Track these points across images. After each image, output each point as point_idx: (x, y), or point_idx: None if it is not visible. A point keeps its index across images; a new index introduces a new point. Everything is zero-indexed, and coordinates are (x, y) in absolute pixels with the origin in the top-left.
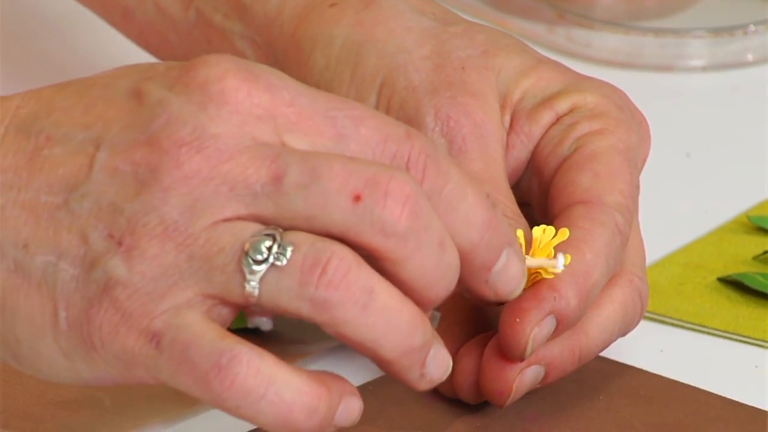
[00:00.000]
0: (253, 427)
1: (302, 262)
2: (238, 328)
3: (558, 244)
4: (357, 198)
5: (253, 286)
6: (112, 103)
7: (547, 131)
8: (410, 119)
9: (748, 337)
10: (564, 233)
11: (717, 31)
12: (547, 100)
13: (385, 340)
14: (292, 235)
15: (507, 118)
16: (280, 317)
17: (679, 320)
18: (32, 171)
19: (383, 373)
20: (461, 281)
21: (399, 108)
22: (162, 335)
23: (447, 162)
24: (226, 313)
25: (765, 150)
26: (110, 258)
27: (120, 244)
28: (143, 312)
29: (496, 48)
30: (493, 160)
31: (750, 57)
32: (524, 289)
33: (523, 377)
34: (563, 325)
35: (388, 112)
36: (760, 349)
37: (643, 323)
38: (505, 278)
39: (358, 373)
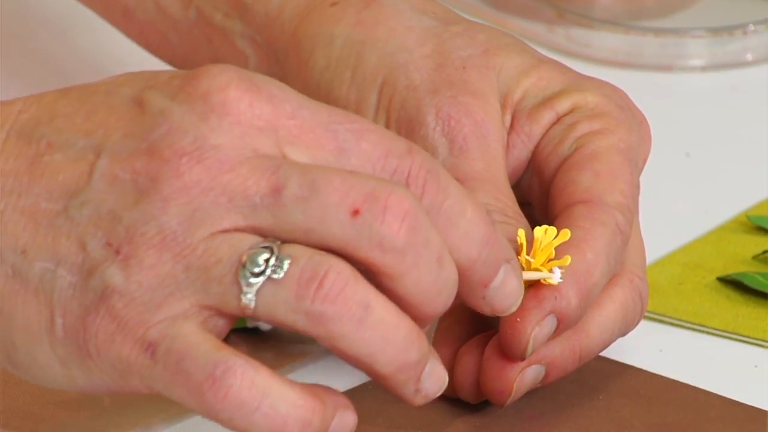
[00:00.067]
0: None
1: (299, 275)
2: (237, 327)
3: (559, 245)
4: (356, 212)
5: (249, 298)
6: (113, 111)
7: (547, 131)
8: (411, 118)
9: (748, 337)
10: (565, 234)
11: (716, 31)
12: (547, 100)
13: (381, 355)
14: (289, 248)
15: (507, 118)
16: None
17: (678, 320)
18: (33, 177)
19: None
20: (458, 297)
21: (400, 107)
22: (157, 345)
23: (447, 178)
24: (222, 324)
25: (765, 150)
26: (108, 266)
27: (118, 252)
28: (139, 321)
29: (497, 47)
30: (494, 159)
31: (749, 57)
32: (525, 289)
33: (524, 377)
34: (564, 325)
35: (388, 111)
36: (760, 349)
37: (642, 323)
38: (503, 294)
39: (358, 373)
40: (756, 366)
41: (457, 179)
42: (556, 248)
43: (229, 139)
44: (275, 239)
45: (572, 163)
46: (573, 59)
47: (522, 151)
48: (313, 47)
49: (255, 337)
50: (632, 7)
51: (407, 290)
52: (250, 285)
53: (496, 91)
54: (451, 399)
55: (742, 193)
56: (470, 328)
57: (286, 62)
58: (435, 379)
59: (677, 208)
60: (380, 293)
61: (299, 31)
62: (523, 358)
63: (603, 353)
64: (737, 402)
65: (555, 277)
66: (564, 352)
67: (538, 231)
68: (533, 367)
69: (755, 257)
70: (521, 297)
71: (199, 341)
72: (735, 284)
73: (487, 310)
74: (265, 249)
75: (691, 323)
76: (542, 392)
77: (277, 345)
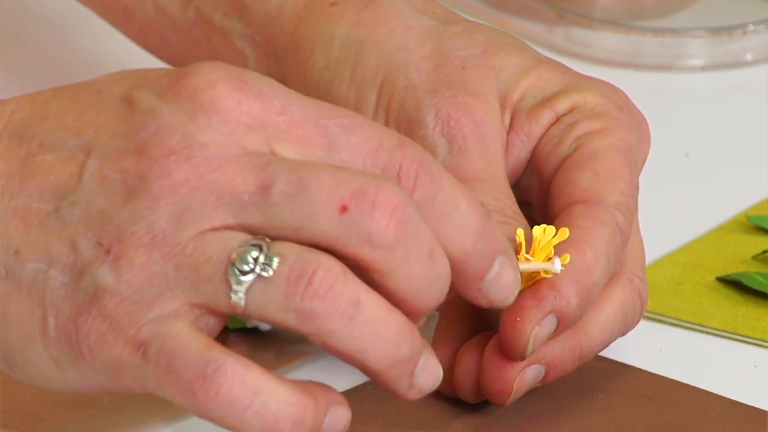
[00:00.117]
0: None
1: (288, 272)
2: (237, 327)
3: (558, 244)
4: (344, 209)
5: (239, 296)
6: (103, 110)
7: (547, 131)
8: (410, 118)
9: (747, 337)
10: (564, 233)
11: (716, 31)
12: (547, 100)
13: (373, 351)
14: (279, 246)
15: (507, 118)
16: None
17: (678, 320)
18: (24, 178)
19: None
20: (454, 289)
21: (399, 107)
22: (148, 344)
23: (439, 171)
24: (213, 322)
25: (764, 149)
26: (99, 266)
27: (108, 252)
28: (130, 321)
29: (497, 47)
30: (494, 159)
31: (749, 56)
32: (524, 288)
33: (524, 376)
34: (564, 324)
35: (388, 111)
36: (759, 349)
37: (642, 323)
38: (498, 286)
39: (357, 373)
40: (755, 366)
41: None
42: (555, 247)
43: (218, 137)
44: (264, 237)
45: (572, 162)
46: (573, 59)
47: (521, 151)
48: (312, 47)
49: (254, 337)
50: (632, 7)
51: (398, 285)
52: (239, 283)
53: (496, 91)
54: (450, 399)
55: (742, 193)
56: (470, 327)
57: (286, 62)
58: (429, 373)
59: (677, 207)
60: (370, 289)
61: (298, 31)
62: (523, 358)
63: (602, 353)
64: (737, 402)
65: (555, 267)
66: (564, 352)
67: (537, 230)
68: (533, 366)
69: (755, 257)
70: (518, 288)
71: (189, 340)
72: (734, 284)
73: (483, 303)
74: (254, 247)
75: (691, 323)
76: (542, 392)
77: (276, 345)
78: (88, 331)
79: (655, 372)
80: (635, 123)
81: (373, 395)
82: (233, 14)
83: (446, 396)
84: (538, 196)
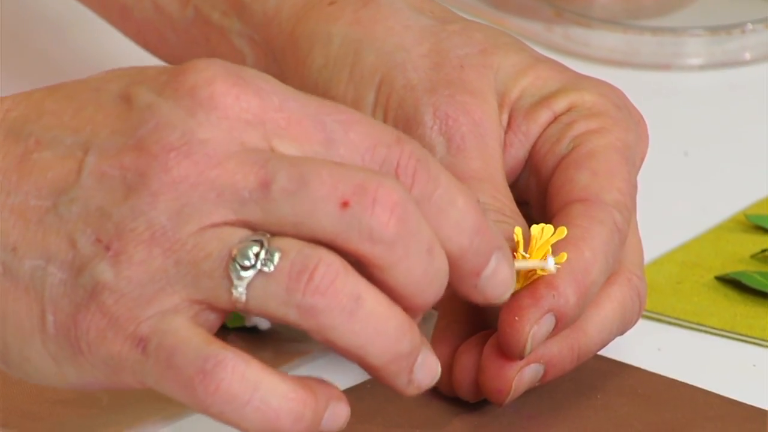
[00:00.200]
0: None
1: (289, 268)
2: (236, 326)
3: (556, 243)
4: (345, 204)
5: (240, 291)
6: (101, 107)
7: (544, 130)
8: (409, 117)
9: (746, 336)
10: (562, 231)
11: (715, 30)
12: (544, 99)
13: (372, 346)
14: (279, 241)
15: (505, 117)
16: None
17: (676, 319)
18: (21, 175)
19: None
20: (450, 285)
21: (397, 106)
22: (148, 340)
23: (437, 167)
24: (213, 318)
25: (763, 148)
26: (98, 263)
27: (108, 248)
28: (130, 317)
29: (495, 46)
30: (492, 158)
31: (748, 55)
32: (523, 287)
33: (522, 376)
34: (562, 323)
35: (386, 110)
36: (758, 348)
37: (640, 322)
38: (494, 283)
39: (356, 372)
40: (754, 365)
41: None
42: (553, 246)
43: (217, 133)
44: (265, 233)
45: (569, 161)
46: (571, 58)
47: (519, 150)
48: (310, 46)
49: (253, 336)
50: (630, 6)
51: (398, 281)
52: (240, 278)
53: (494, 90)
54: (449, 398)
55: (741, 191)
56: (469, 326)
57: (284, 61)
58: (427, 369)
59: (675, 207)
60: (371, 285)
61: (297, 30)
62: (521, 357)
63: (601, 352)
64: (735, 401)
65: (549, 266)
66: (562, 351)
67: (535, 229)
68: (532, 366)
69: (753, 256)
70: (513, 285)
71: (189, 336)
72: (733, 283)
73: (479, 299)
74: (255, 242)
75: (690, 322)
76: (540, 391)
77: (275, 344)
78: (87, 327)
79: (654, 371)
80: (633, 122)
81: (372, 394)
82: (232, 13)
83: (445, 395)
84: (536, 195)
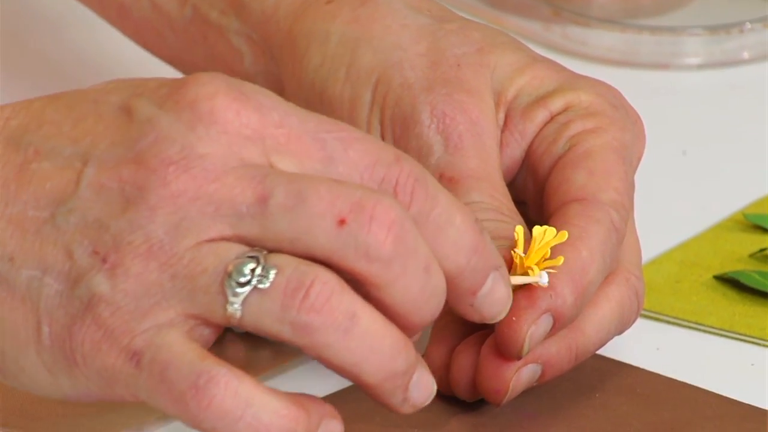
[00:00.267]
0: None
1: (285, 285)
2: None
3: (555, 245)
4: (342, 222)
5: (235, 308)
6: (101, 119)
7: (541, 129)
8: (405, 116)
9: (745, 335)
10: (563, 235)
11: (713, 29)
12: (541, 99)
13: (367, 364)
14: (275, 258)
15: (501, 116)
16: None
17: (675, 318)
18: (20, 184)
19: None
20: (446, 303)
21: (394, 105)
22: (142, 354)
23: (435, 186)
24: (208, 333)
25: (761, 148)
26: (94, 275)
27: (104, 261)
28: (125, 330)
29: (492, 45)
30: (489, 157)
31: (746, 55)
32: (520, 288)
33: (520, 376)
34: (560, 323)
35: (383, 109)
36: (757, 347)
37: (639, 321)
38: (491, 301)
39: None
40: (753, 364)
41: (452, 177)
42: (551, 248)
43: (216, 148)
44: (261, 249)
45: (566, 161)
46: (569, 57)
47: (515, 150)
48: (308, 44)
49: (252, 335)
50: (629, 6)
51: (394, 300)
52: (236, 295)
53: (491, 89)
54: (447, 397)
55: (739, 191)
56: (466, 326)
57: (282, 60)
58: (423, 387)
59: (674, 206)
60: (367, 303)
61: (294, 29)
62: (519, 357)
63: (599, 352)
64: (734, 400)
65: (542, 281)
66: (560, 351)
67: (537, 230)
68: (529, 366)
69: (752, 255)
70: (509, 304)
71: (183, 351)
72: (732, 282)
73: (475, 318)
74: (251, 259)
75: (688, 321)
76: (538, 390)
77: (274, 343)
78: (82, 339)
79: (653, 370)
80: (630, 121)
81: None
82: (230, 12)
83: (443, 394)
84: (533, 195)
